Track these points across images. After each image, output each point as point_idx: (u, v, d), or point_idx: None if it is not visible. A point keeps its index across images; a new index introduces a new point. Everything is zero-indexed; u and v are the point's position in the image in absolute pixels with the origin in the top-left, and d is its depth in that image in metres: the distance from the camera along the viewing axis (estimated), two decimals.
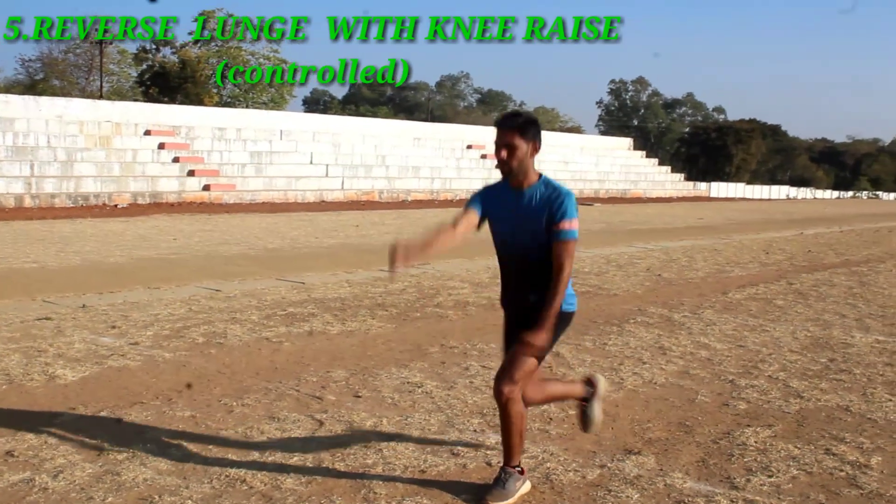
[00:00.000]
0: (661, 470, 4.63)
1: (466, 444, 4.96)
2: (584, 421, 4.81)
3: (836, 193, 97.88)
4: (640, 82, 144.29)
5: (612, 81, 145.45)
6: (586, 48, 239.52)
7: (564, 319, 4.28)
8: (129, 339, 7.54)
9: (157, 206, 28.61)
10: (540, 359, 4.23)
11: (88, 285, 10.62)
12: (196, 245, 16.31)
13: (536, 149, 4.16)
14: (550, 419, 5.49)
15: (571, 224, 4.09)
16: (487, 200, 4.31)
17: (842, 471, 4.70)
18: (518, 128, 4.12)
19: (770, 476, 4.56)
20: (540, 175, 4.21)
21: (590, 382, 4.85)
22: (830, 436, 5.30)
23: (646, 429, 5.35)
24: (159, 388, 6.01)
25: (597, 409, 4.79)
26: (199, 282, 11.17)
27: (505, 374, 4.13)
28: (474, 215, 4.29)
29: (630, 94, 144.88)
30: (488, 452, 4.80)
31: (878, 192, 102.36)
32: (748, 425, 5.47)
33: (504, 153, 4.12)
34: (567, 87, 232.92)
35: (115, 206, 28.38)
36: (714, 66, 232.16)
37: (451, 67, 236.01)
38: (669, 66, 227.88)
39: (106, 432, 5.01)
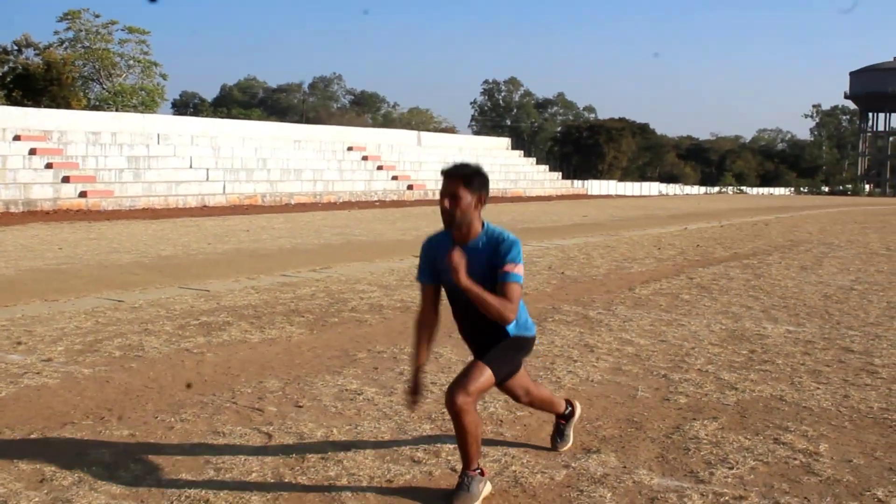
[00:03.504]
0: (625, 468, 4.64)
1: (425, 451, 4.87)
2: (559, 438, 4.93)
3: (703, 189, 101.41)
4: (513, 82, 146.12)
5: (486, 82, 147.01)
6: (459, 47, 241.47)
7: (524, 344, 4.38)
8: (39, 356, 7.15)
9: (32, 215, 27.39)
10: (501, 375, 4.29)
11: None
12: (84, 254, 15.64)
13: (482, 201, 4.17)
14: (502, 421, 5.45)
15: (515, 268, 4.10)
16: (430, 257, 4.33)
17: (795, 459, 4.81)
18: (462, 177, 4.10)
19: (731, 468, 4.64)
20: (483, 224, 4.20)
21: (570, 403, 5.01)
22: (774, 425, 5.43)
23: (597, 427, 5.37)
24: (87, 407, 5.70)
25: (571, 431, 4.98)
26: (99, 292, 10.71)
27: (459, 385, 4.12)
28: (429, 290, 4.40)
29: (503, 94, 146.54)
30: (450, 458, 4.72)
31: (742, 188, 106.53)
32: (694, 419, 5.55)
33: (447, 202, 4.10)
34: (440, 87, 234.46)
35: None
36: (584, 66, 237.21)
37: (322, 69, 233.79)
38: (540, 67, 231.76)
39: (41, 456, 4.71)
